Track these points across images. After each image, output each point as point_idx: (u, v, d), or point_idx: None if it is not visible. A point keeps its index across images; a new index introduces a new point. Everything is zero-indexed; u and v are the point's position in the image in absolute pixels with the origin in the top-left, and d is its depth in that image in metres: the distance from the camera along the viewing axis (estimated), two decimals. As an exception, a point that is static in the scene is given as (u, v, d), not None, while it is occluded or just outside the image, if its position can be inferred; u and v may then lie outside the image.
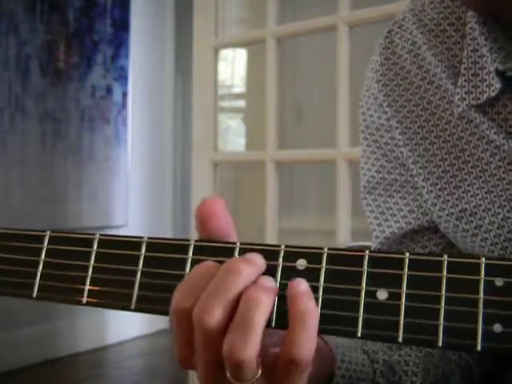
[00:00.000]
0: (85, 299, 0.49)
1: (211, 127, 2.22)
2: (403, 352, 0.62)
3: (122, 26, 3.91)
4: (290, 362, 0.43)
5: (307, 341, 0.43)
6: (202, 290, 0.44)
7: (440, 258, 0.44)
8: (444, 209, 0.65)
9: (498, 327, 0.41)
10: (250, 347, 0.42)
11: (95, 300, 0.49)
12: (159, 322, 4.10)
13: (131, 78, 3.98)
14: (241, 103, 3.43)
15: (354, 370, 0.56)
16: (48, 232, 0.52)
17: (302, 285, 0.44)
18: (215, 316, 0.43)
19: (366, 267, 0.45)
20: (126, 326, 3.81)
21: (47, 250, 0.51)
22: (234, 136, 3.46)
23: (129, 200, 3.93)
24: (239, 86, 3.22)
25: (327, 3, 1.99)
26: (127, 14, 3.95)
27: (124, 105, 3.93)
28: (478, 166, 0.62)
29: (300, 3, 2.47)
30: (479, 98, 0.61)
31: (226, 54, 2.75)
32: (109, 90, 3.83)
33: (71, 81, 3.60)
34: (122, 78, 3.92)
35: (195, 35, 2.24)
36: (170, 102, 4.33)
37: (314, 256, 0.46)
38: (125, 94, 3.94)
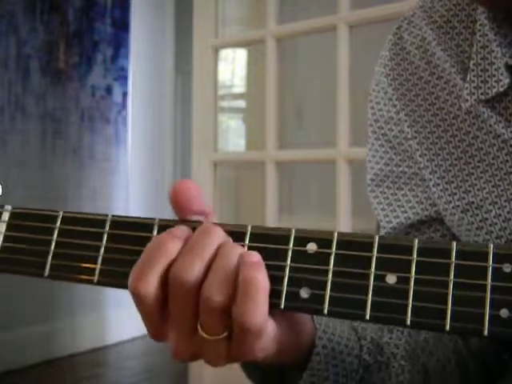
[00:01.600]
0: (96, 278, 0.50)
1: (211, 127, 2.22)
2: (394, 335, 0.62)
3: (122, 26, 3.91)
4: (241, 329, 0.45)
5: (254, 310, 0.44)
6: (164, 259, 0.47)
7: (449, 246, 0.44)
8: (450, 202, 0.66)
9: (505, 312, 0.42)
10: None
11: (106, 279, 0.50)
12: (159, 322, 4.10)
13: (131, 78, 3.98)
14: (241, 103, 3.43)
15: (337, 342, 0.56)
16: (61, 212, 0.53)
17: (252, 256, 0.46)
18: (193, 271, 0.46)
19: (375, 252, 0.45)
20: (126, 326, 3.81)
21: (60, 229, 0.52)
22: (234, 136, 3.46)
23: (129, 200, 3.93)
24: (239, 86, 3.22)
25: (327, 3, 1.99)
26: (127, 14, 3.95)
27: (124, 105, 3.93)
28: (484, 160, 0.63)
29: (300, 3, 2.46)
30: (488, 93, 0.61)
31: (226, 53, 2.75)
32: (109, 90, 3.83)
33: (71, 81, 3.60)
34: (122, 78, 3.92)
35: (195, 35, 2.24)
36: (170, 102, 4.33)
37: (324, 240, 0.46)
38: (125, 94, 3.94)
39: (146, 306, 0.47)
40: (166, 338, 0.48)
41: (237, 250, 0.46)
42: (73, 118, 3.61)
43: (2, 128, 3.24)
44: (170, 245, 0.47)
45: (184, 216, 0.50)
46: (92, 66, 3.73)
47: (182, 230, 0.48)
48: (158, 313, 0.47)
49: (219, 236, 0.47)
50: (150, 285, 0.46)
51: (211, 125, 2.22)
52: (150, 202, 4.12)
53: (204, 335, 0.46)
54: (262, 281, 0.45)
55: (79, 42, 3.65)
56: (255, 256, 0.46)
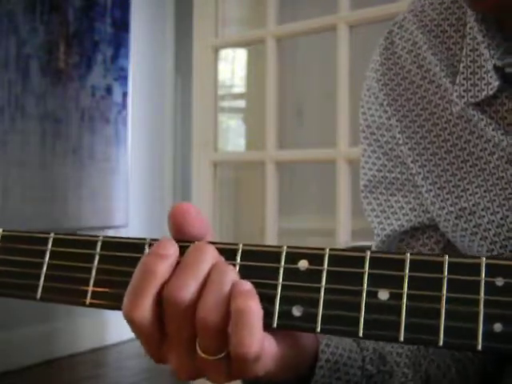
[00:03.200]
0: (88, 300, 0.50)
1: (211, 127, 2.22)
2: (396, 344, 0.62)
3: (122, 26, 3.91)
4: (238, 357, 0.45)
5: (249, 339, 0.44)
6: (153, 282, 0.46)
7: (441, 259, 0.44)
8: (443, 207, 0.65)
9: (498, 327, 0.42)
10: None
11: (98, 301, 0.50)
12: (159, 322, 4.10)
13: (131, 78, 3.98)
14: (241, 103, 3.43)
15: (340, 354, 0.56)
16: (52, 234, 0.52)
17: (244, 284, 0.45)
18: (187, 290, 0.45)
19: (367, 268, 0.45)
20: (126, 326, 3.79)
21: (51, 251, 0.52)
22: (234, 136, 3.46)
23: (129, 200, 3.93)
24: (239, 86, 3.22)
25: (327, 3, 1.99)
26: (127, 14, 3.95)
27: (124, 105, 3.93)
28: (477, 165, 0.62)
29: (300, 3, 2.47)
30: (477, 96, 0.61)
31: (226, 53, 2.75)
32: (109, 90, 3.83)
33: (71, 81, 3.60)
34: (122, 78, 3.92)
35: (195, 35, 2.24)
36: (170, 102, 4.33)
37: (315, 257, 0.46)
38: (125, 94, 3.94)
39: (143, 331, 0.47)
40: (167, 359, 0.48)
41: (230, 272, 0.46)
42: (73, 118, 3.61)
43: (2, 128, 3.24)
44: (160, 266, 0.46)
45: (182, 238, 0.49)
46: (92, 66, 3.73)
47: (167, 248, 0.47)
48: (156, 336, 0.47)
49: (212, 255, 0.47)
50: (144, 309, 0.46)
51: (211, 125, 2.22)
52: (150, 202, 4.12)
53: (203, 355, 0.46)
54: (254, 308, 0.44)
55: (79, 42, 3.65)
56: (247, 284, 0.45)
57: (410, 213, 0.69)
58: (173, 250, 0.47)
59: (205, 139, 2.23)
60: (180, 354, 0.47)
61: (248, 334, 0.44)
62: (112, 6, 3.84)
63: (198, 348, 0.46)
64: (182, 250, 0.48)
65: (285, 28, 2.08)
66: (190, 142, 2.37)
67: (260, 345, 0.45)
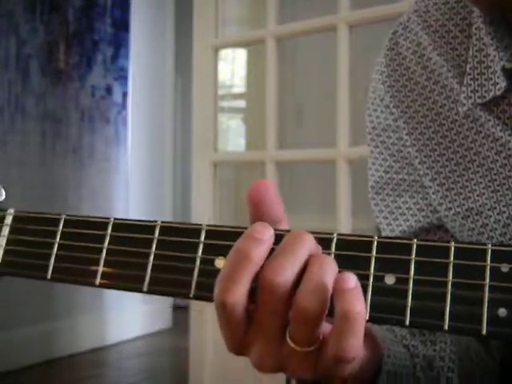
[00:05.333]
0: (98, 281, 0.50)
1: (211, 127, 2.22)
2: (438, 347, 0.62)
3: (122, 26, 3.91)
4: (337, 358, 0.43)
5: (352, 344, 0.43)
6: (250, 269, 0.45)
7: (447, 244, 0.44)
8: (450, 208, 0.65)
9: (503, 312, 0.42)
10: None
11: (108, 282, 0.50)
12: (159, 322, 4.10)
13: (131, 78, 3.98)
14: (241, 103, 3.44)
15: (398, 364, 0.57)
16: (63, 215, 0.53)
17: (350, 281, 0.43)
18: (285, 275, 0.44)
19: (374, 252, 0.45)
20: (126, 326, 3.81)
21: (62, 232, 0.52)
22: (234, 136, 3.46)
23: (129, 200, 3.93)
24: (239, 86, 3.22)
25: (327, 3, 1.99)
26: (127, 14, 3.95)
27: (124, 105, 3.93)
28: (484, 165, 0.63)
29: (300, 3, 2.47)
30: (485, 97, 0.61)
31: (226, 54, 2.75)
32: (109, 90, 3.83)
33: (71, 81, 3.60)
34: (122, 77, 3.92)
35: (195, 35, 2.24)
36: (170, 102, 4.33)
37: (323, 241, 0.47)
38: (125, 94, 3.94)
39: (234, 317, 0.45)
40: (248, 351, 0.47)
41: (331, 264, 0.45)
42: (73, 118, 3.61)
43: (2, 128, 3.24)
44: (255, 251, 0.45)
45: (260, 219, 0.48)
46: (92, 66, 3.73)
47: (263, 233, 0.45)
48: (244, 323, 0.45)
49: (311, 243, 0.45)
50: (238, 294, 0.44)
51: (211, 125, 2.22)
52: (150, 202, 4.12)
53: (293, 346, 0.44)
54: (362, 313, 0.43)
55: (79, 42, 3.65)
56: (352, 280, 0.43)
57: (419, 213, 0.69)
58: (269, 234, 0.46)
59: (205, 139, 2.23)
60: (268, 343, 0.45)
61: (353, 338, 0.43)
62: (112, 5, 3.84)
63: (287, 337, 0.45)
64: (277, 238, 0.46)
65: (285, 28, 2.08)
66: (190, 142, 2.37)
67: (361, 348, 0.44)
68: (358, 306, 0.43)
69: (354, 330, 0.43)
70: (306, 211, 2.63)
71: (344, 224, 1.86)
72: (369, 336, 0.50)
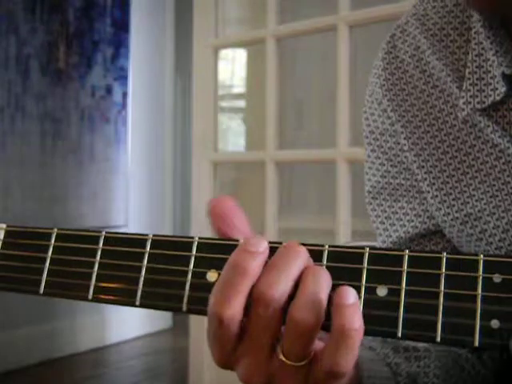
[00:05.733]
0: (91, 295, 0.50)
1: (211, 127, 2.22)
2: (422, 363, 0.62)
3: (122, 26, 3.91)
4: (330, 373, 0.43)
5: (346, 359, 0.43)
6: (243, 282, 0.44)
7: (439, 255, 0.44)
8: (449, 213, 0.65)
9: (495, 323, 0.42)
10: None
11: (101, 296, 0.50)
12: (159, 322, 4.10)
13: (131, 78, 3.98)
14: (241, 103, 3.43)
15: None
16: (55, 229, 0.53)
17: (349, 296, 0.43)
18: (279, 288, 0.44)
19: (366, 264, 0.45)
20: (126, 326, 3.81)
21: (54, 246, 0.52)
22: (233, 136, 3.46)
23: (129, 200, 3.93)
24: (239, 86, 3.22)
25: (327, 3, 1.99)
26: (127, 14, 3.95)
27: (124, 105, 3.93)
28: (482, 170, 0.62)
29: (300, 3, 2.47)
30: (484, 102, 0.61)
31: (226, 54, 2.75)
32: (109, 90, 3.83)
33: (71, 81, 3.60)
34: (122, 77, 3.92)
35: (195, 35, 2.24)
36: (170, 102, 4.33)
37: (315, 253, 0.46)
38: (125, 94, 3.94)
39: (229, 331, 0.45)
40: (236, 365, 0.46)
41: (326, 277, 0.45)
42: (73, 118, 3.61)
43: (2, 128, 3.24)
44: (251, 263, 0.44)
45: (224, 232, 0.48)
46: (92, 66, 3.73)
47: (258, 245, 0.45)
48: (236, 337, 0.45)
49: (305, 256, 0.45)
50: (235, 308, 0.44)
51: (211, 125, 2.23)
52: (149, 202, 4.12)
53: (284, 360, 0.44)
54: (359, 330, 0.42)
55: (79, 42, 3.65)
56: (351, 295, 0.43)
57: (415, 219, 0.69)
58: (264, 247, 0.45)
59: (205, 139, 2.23)
60: (258, 357, 0.45)
61: (348, 355, 0.42)
62: (112, 5, 3.84)
63: (279, 351, 0.44)
64: (270, 251, 0.46)
65: (285, 28, 2.08)
66: (190, 142, 2.37)
67: (353, 364, 0.43)
68: (357, 322, 0.42)
69: (351, 346, 0.42)
70: (306, 211, 2.63)
71: (344, 224, 1.86)
72: None
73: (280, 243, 0.47)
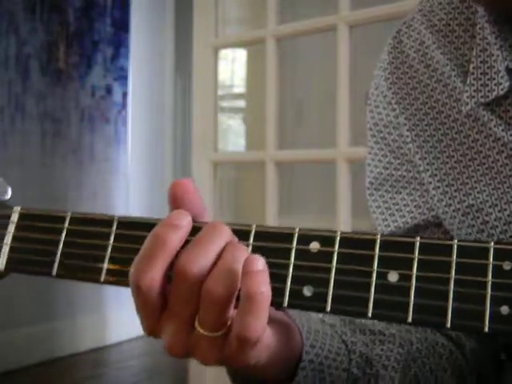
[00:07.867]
0: (103, 277, 0.51)
1: (211, 127, 2.22)
2: (385, 347, 0.62)
3: (122, 25, 3.91)
4: (238, 339, 0.45)
5: (255, 323, 0.44)
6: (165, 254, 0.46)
7: (450, 242, 0.45)
8: (450, 204, 0.66)
9: (505, 309, 0.42)
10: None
11: (113, 278, 0.51)
12: (159, 322, 4.10)
13: (131, 78, 3.98)
14: (241, 103, 3.43)
15: (325, 356, 0.56)
16: (69, 212, 0.54)
17: (257, 263, 0.44)
18: (198, 263, 0.45)
19: (377, 250, 0.46)
20: (126, 326, 3.81)
21: (68, 230, 0.53)
22: (234, 136, 3.46)
23: (129, 200, 3.93)
24: (239, 86, 3.22)
25: (327, 3, 1.99)
26: (127, 14, 3.95)
27: (124, 105, 3.93)
28: (484, 164, 0.63)
29: (300, 3, 2.47)
30: (488, 96, 0.62)
31: (226, 54, 2.75)
32: (109, 90, 3.83)
33: (71, 81, 3.60)
34: (122, 77, 3.92)
35: (195, 35, 2.24)
36: (169, 102, 4.33)
37: (327, 239, 0.47)
38: (125, 94, 3.94)
39: (148, 299, 0.47)
40: (161, 333, 0.48)
41: (243, 251, 0.46)
42: (73, 118, 3.61)
43: (2, 128, 3.24)
44: (171, 236, 0.46)
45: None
46: (92, 66, 3.73)
47: (179, 219, 0.47)
48: (158, 307, 0.47)
49: (226, 234, 0.47)
50: (153, 278, 0.46)
51: (211, 125, 2.22)
52: (150, 202, 4.12)
53: (201, 331, 0.46)
54: (265, 294, 0.44)
55: (79, 42, 3.65)
56: (259, 263, 0.44)
57: (415, 210, 0.70)
58: (186, 221, 0.47)
59: (205, 139, 2.23)
60: (178, 329, 0.47)
61: (256, 319, 0.44)
62: (112, 5, 3.84)
63: (197, 323, 0.46)
64: (196, 231, 0.48)
65: (285, 28, 2.08)
66: (190, 142, 2.37)
67: (263, 330, 0.45)
68: (263, 287, 0.44)
69: (257, 310, 0.44)
70: (306, 211, 2.63)
71: (344, 224, 1.86)
72: (281, 328, 0.50)
73: (206, 223, 0.48)
